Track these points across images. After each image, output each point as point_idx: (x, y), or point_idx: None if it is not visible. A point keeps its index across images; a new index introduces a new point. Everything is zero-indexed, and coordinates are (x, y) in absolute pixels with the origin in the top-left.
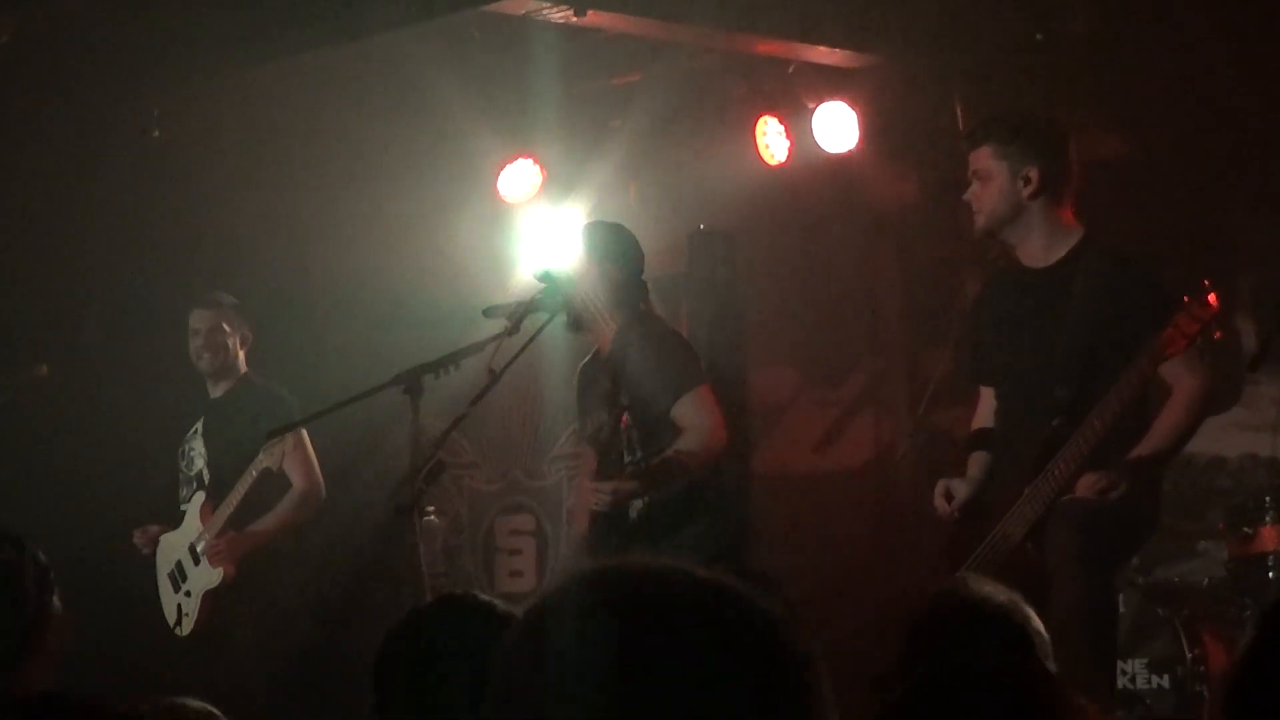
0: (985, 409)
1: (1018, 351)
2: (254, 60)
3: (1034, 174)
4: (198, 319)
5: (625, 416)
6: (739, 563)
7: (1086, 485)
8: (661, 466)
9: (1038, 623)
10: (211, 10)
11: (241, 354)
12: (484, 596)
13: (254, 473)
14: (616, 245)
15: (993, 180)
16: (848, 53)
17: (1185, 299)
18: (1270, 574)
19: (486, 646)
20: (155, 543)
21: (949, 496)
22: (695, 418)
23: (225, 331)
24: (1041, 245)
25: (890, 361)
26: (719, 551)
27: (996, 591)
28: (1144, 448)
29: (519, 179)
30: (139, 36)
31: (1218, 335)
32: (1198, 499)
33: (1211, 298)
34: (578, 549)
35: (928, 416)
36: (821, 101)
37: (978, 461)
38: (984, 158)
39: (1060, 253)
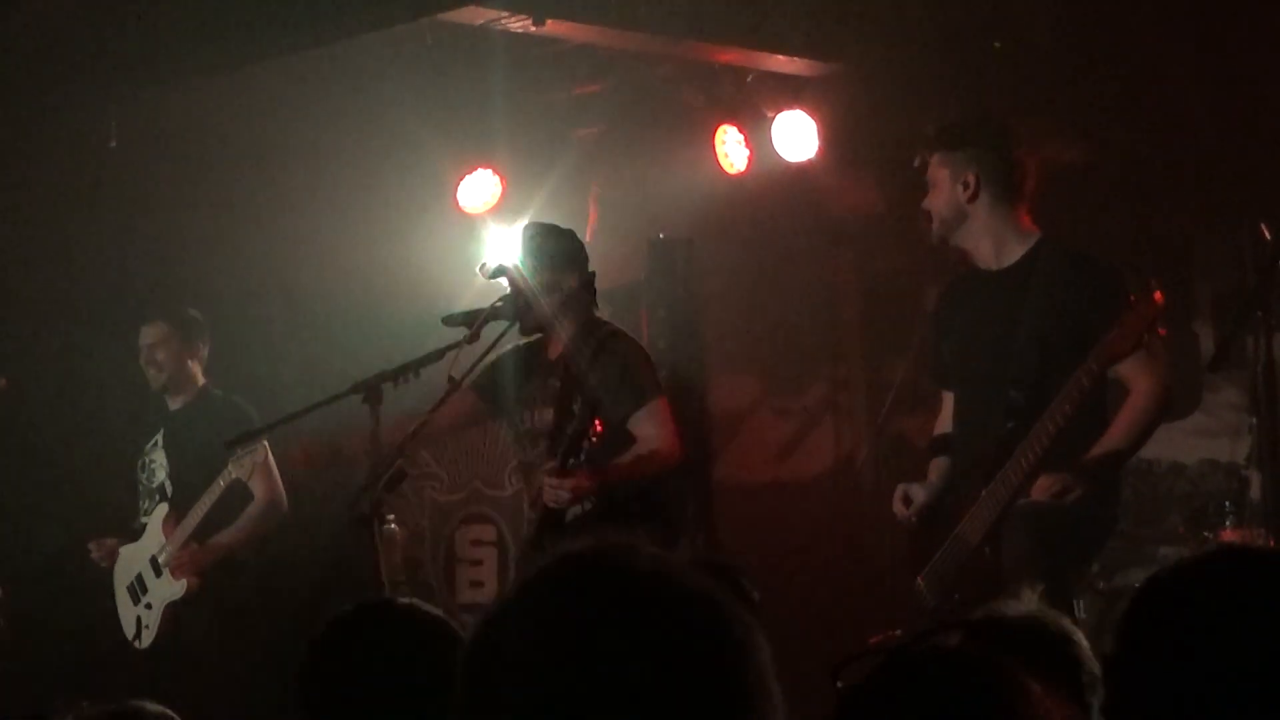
0: (946, 414)
1: (974, 355)
2: (212, 69)
3: (971, 178)
4: (145, 334)
5: (598, 422)
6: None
7: (1043, 488)
8: (618, 470)
9: (1079, 635)
10: (170, 19)
11: (197, 366)
12: (405, 600)
13: (222, 484)
14: (567, 250)
15: (940, 187)
16: (806, 61)
17: (1131, 298)
18: None
19: (413, 653)
20: (113, 556)
21: (907, 501)
22: (650, 428)
23: (173, 346)
24: (992, 249)
25: (850, 369)
26: None
27: (1045, 611)
28: (1100, 449)
29: (479, 189)
30: (97, 45)
31: (1162, 332)
32: (1157, 504)
33: (1157, 295)
34: (520, 550)
35: (888, 424)
36: (780, 110)
37: (938, 467)
38: (933, 166)
39: (1015, 256)
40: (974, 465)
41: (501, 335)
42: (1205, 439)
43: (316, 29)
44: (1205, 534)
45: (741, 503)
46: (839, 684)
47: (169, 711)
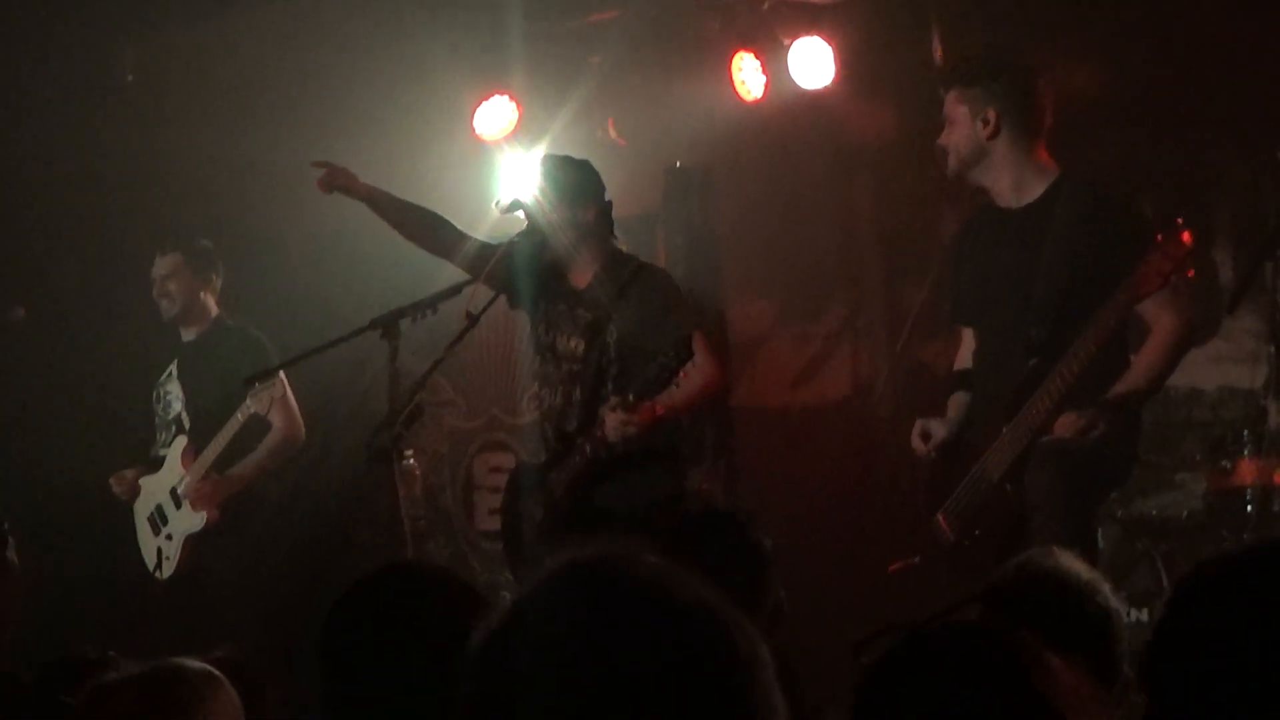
0: (965, 350)
1: (994, 292)
2: (229, 2)
3: (991, 115)
4: (158, 265)
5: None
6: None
7: (1065, 425)
8: (675, 404)
9: (1116, 603)
10: None
11: (210, 297)
12: (431, 564)
13: (240, 418)
14: (587, 182)
15: (958, 123)
16: None
17: (1159, 237)
18: (1249, 507)
19: (437, 616)
20: (134, 489)
21: (926, 437)
22: (697, 358)
23: (186, 277)
24: (1011, 186)
25: (868, 294)
26: (672, 492)
27: (1081, 568)
28: (1122, 386)
29: (495, 116)
30: None
31: (1190, 274)
32: (1175, 431)
33: (1185, 235)
34: (528, 478)
35: (907, 350)
36: (797, 37)
37: (957, 403)
38: (950, 102)
39: (1035, 193)
40: (995, 402)
41: (507, 245)
42: (1224, 365)
43: None
44: (1223, 463)
45: (760, 428)
46: (860, 660)
47: (210, 668)
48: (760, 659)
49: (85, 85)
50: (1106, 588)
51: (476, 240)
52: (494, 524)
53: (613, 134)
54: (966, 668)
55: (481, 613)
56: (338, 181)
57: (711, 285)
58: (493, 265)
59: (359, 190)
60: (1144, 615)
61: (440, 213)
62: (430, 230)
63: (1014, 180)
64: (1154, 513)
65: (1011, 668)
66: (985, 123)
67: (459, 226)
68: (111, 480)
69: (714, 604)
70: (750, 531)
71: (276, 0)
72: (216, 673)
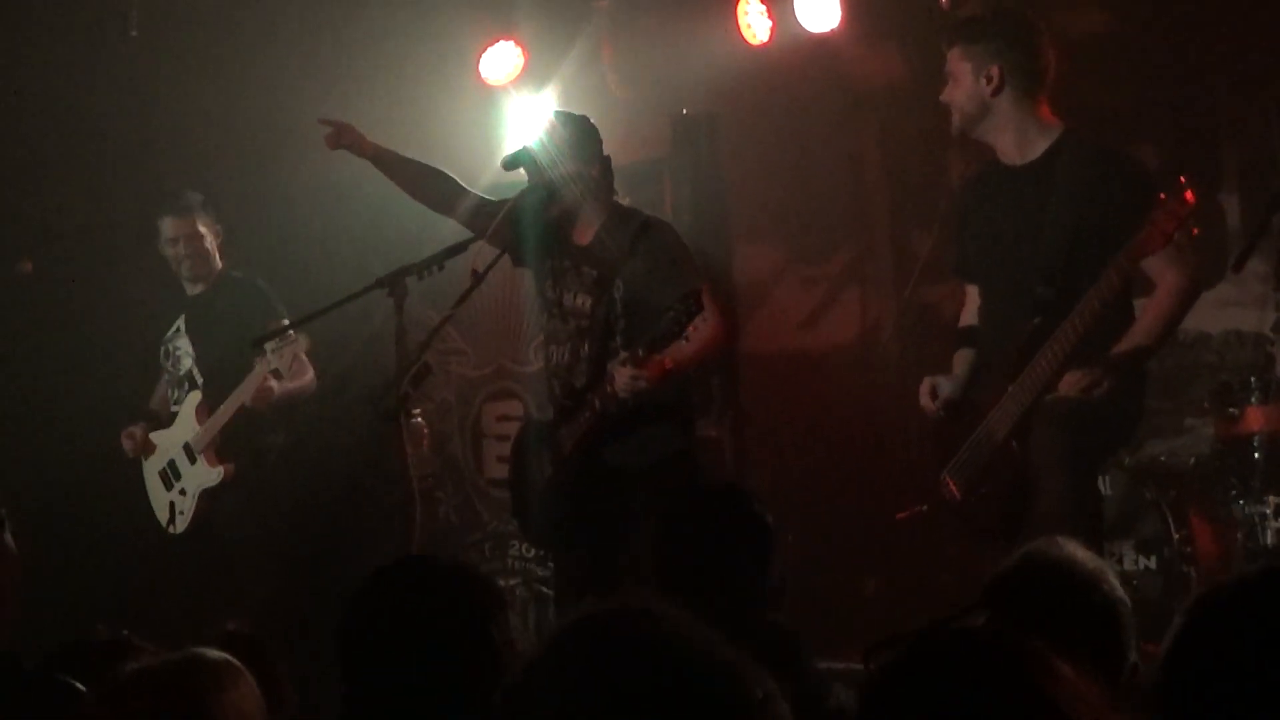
0: (970, 306)
1: (999, 250)
2: None
3: (995, 71)
4: (172, 227)
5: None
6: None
7: (1070, 383)
8: (684, 358)
9: (1121, 592)
10: None
11: (215, 251)
12: (449, 559)
13: (260, 370)
14: (590, 140)
15: (960, 81)
16: None
17: (1161, 196)
18: (1256, 455)
19: (455, 612)
20: (146, 445)
21: (934, 394)
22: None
23: (201, 234)
24: (1015, 143)
25: (875, 238)
26: (682, 448)
27: (1086, 557)
28: (1127, 344)
29: (501, 61)
30: None
31: (1195, 232)
32: (1183, 375)
33: (1188, 194)
34: (537, 434)
35: (914, 295)
36: None
37: (963, 359)
38: (953, 59)
39: (1038, 150)
40: (1001, 360)
41: (512, 203)
42: (1231, 309)
43: None
44: (1230, 410)
45: (767, 372)
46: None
47: (230, 657)
48: (779, 712)
49: (89, 40)
50: (1111, 575)
51: (481, 198)
52: (502, 472)
53: (613, 88)
54: (975, 676)
55: (498, 607)
56: (344, 140)
57: (718, 231)
58: (496, 224)
59: (366, 148)
60: (1151, 563)
61: (446, 159)
62: (435, 188)
63: (1017, 137)
64: (1162, 459)
65: (1021, 676)
66: (988, 79)
67: (462, 181)
68: (122, 436)
69: (729, 658)
70: (754, 507)
71: None
72: (235, 662)
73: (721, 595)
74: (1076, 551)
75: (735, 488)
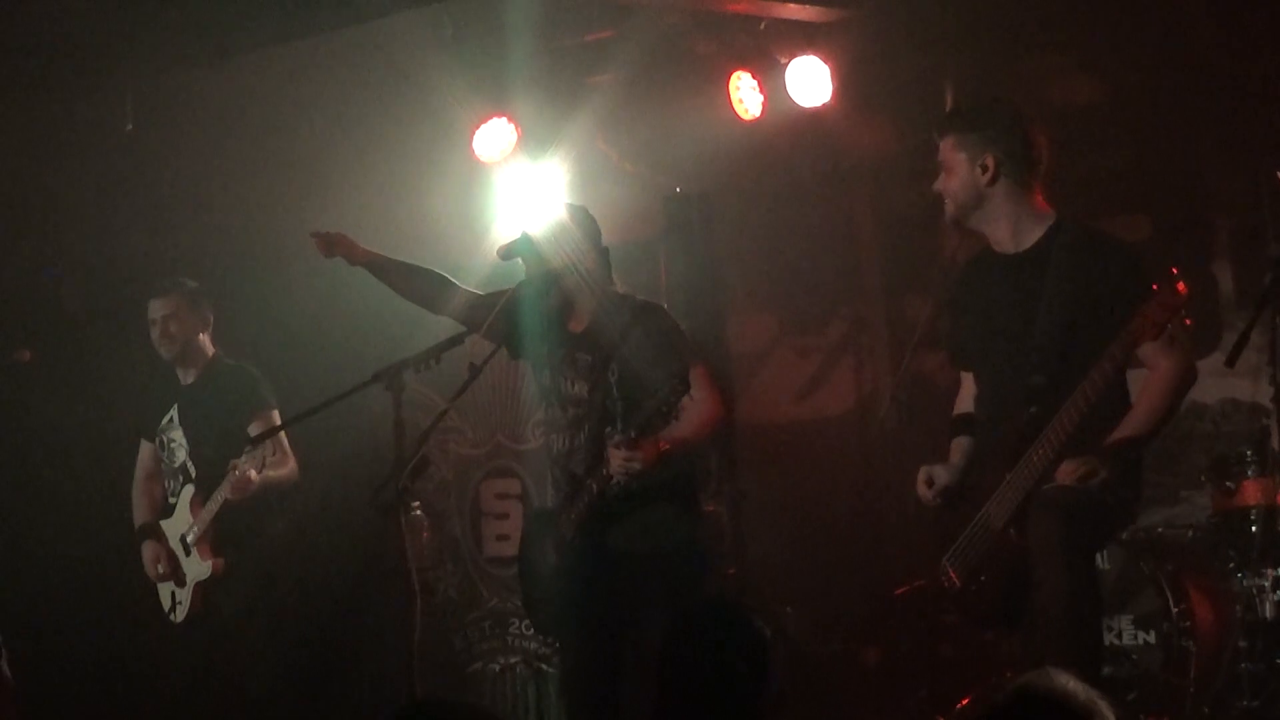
0: (966, 393)
1: (993, 338)
2: (230, 50)
3: (990, 161)
4: (154, 308)
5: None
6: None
7: (1067, 472)
8: (680, 440)
9: (1113, 717)
10: (186, 6)
11: (205, 337)
12: (462, 702)
13: (236, 474)
14: (591, 230)
15: (955, 170)
16: (819, 8)
17: (1154, 286)
18: (1253, 528)
19: None
20: (171, 563)
21: (931, 482)
22: (698, 393)
23: (183, 318)
24: (1009, 232)
25: (869, 308)
26: (689, 534)
27: (1079, 689)
28: (1122, 432)
29: (494, 138)
30: (114, 27)
31: (1188, 322)
32: (1179, 445)
33: (1180, 285)
34: (540, 523)
35: (910, 367)
36: (794, 56)
37: (959, 448)
38: (947, 149)
39: (1032, 239)
40: (997, 448)
41: (507, 297)
42: (1226, 378)
43: (334, 13)
44: (1227, 483)
45: (764, 443)
46: None
47: None
48: None
49: (85, 132)
50: (1104, 706)
51: (474, 294)
52: (501, 550)
53: (613, 161)
54: None
55: None
56: (337, 250)
57: (713, 306)
58: (492, 318)
59: (358, 255)
60: (1150, 637)
61: (440, 236)
62: (428, 288)
63: (1012, 226)
64: (1159, 529)
65: None
66: (984, 169)
67: (454, 279)
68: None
69: None
70: (754, 622)
71: (275, 38)
72: None
73: (722, 709)
74: (1070, 683)
75: (737, 603)
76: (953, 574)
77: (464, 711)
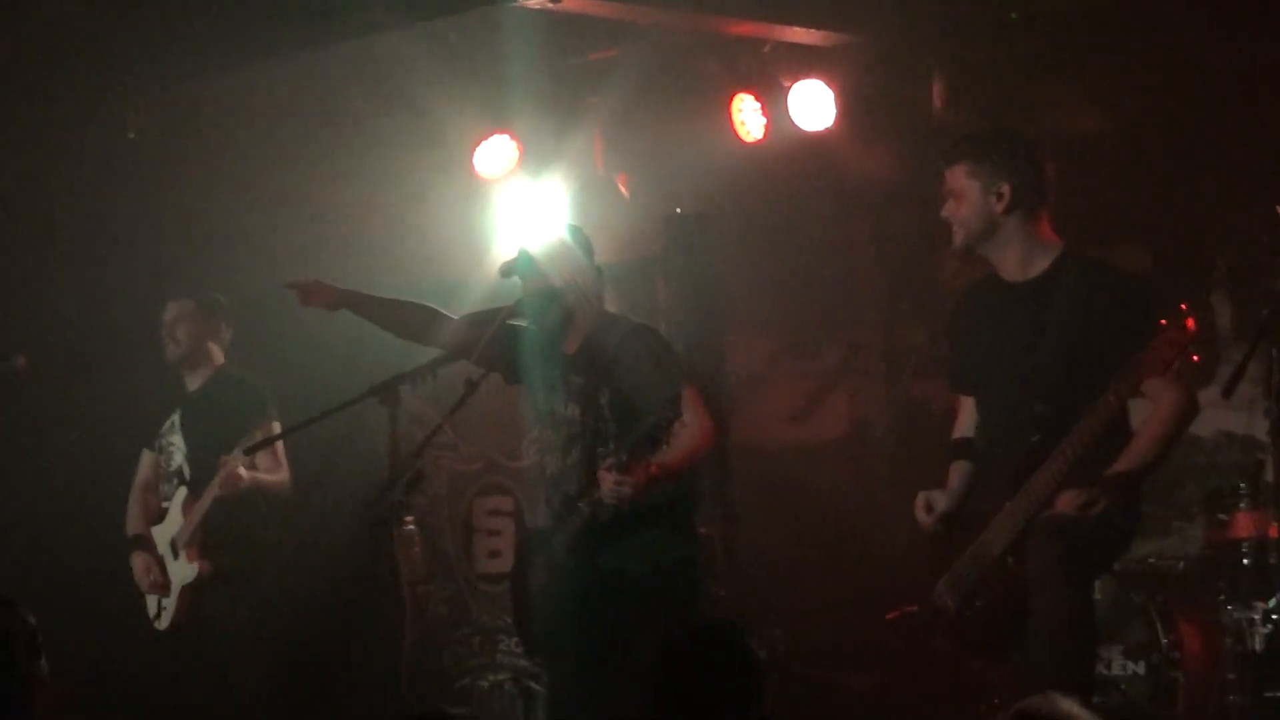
0: (965, 419)
1: (997, 365)
2: (233, 62)
3: (1006, 189)
4: (169, 310)
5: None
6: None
7: (1067, 501)
8: (671, 464)
9: None
10: (186, 14)
11: (216, 347)
12: (455, 715)
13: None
14: (587, 250)
15: (966, 198)
16: (823, 32)
17: (1163, 323)
18: (1245, 560)
19: None
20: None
21: (929, 508)
22: (688, 416)
23: (193, 323)
24: (1018, 260)
25: (867, 334)
26: (684, 556)
27: (1081, 714)
28: (1123, 463)
29: (495, 155)
30: (119, 37)
31: (1195, 359)
32: (1173, 476)
33: (1189, 322)
34: (533, 544)
35: (906, 392)
36: (797, 80)
37: (958, 472)
38: (958, 176)
39: (1040, 267)
40: (999, 474)
41: (502, 319)
42: (1221, 410)
43: (336, 27)
44: (1220, 515)
45: (759, 466)
46: None
47: None
48: None
49: (90, 139)
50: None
51: (462, 322)
52: (493, 567)
53: (621, 187)
54: None
55: None
56: (313, 299)
57: (711, 326)
58: (483, 347)
59: (334, 299)
60: (1139, 668)
61: (442, 253)
62: (413, 322)
63: (1020, 255)
64: (1151, 560)
65: None
66: (999, 196)
67: (441, 308)
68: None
69: None
70: (744, 641)
71: (278, 51)
72: None
73: None
74: (1071, 709)
75: (727, 624)
76: (948, 599)
77: None
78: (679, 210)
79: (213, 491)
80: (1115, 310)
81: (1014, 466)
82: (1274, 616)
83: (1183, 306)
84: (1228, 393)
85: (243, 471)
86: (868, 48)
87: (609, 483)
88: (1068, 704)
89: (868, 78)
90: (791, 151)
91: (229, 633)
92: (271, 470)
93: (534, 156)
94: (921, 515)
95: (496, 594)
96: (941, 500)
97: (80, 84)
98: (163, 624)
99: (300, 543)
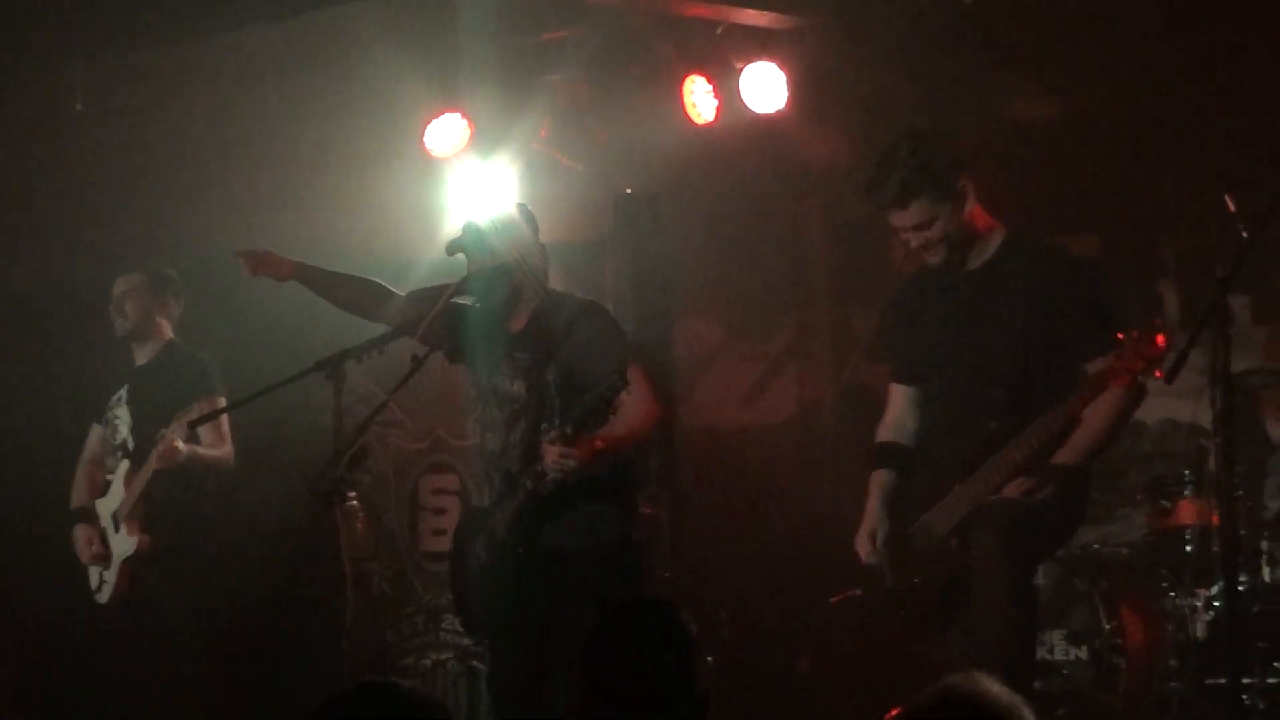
0: (892, 418)
1: (946, 353)
2: (183, 35)
3: (937, 230)
4: (118, 284)
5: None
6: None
7: (1014, 487)
8: (615, 439)
9: None
10: None
11: (165, 321)
12: (405, 686)
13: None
14: (533, 227)
15: (939, 218)
16: (776, 15)
17: (1134, 334)
18: (1188, 547)
19: None
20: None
21: (874, 538)
22: (634, 391)
23: (142, 297)
24: (961, 256)
25: (816, 316)
26: (624, 533)
27: (1001, 693)
28: (1069, 452)
29: (446, 133)
30: (65, 6)
31: (1158, 375)
32: (1117, 464)
33: (1159, 338)
34: (472, 522)
35: (853, 376)
36: (749, 62)
37: (880, 483)
38: (920, 211)
39: (984, 256)
40: (950, 460)
41: (448, 296)
42: (1166, 398)
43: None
44: (1164, 503)
45: (707, 448)
46: None
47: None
48: None
49: (35, 113)
50: (1027, 712)
51: (408, 298)
52: (438, 545)
53: (567, 160)
54: None
55: None
56: (262, 268)
57: (660, 308)
58: (426, 325)
59: (285, 269)
60: (1082, 653)
61: (391, 230)
62: (361, 297)
63: (963, 252)
64: (1095, 547)
65: None
66: (926, 228)
67: (387, 284)
68: (79, 542)
69: None
70: (679, 619)
71: (226, 24)
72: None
73: (647, 708)
74: (992, 687)
75: (661, 600)
76: (874, 559)
77: (405, 694)
78: (629, 190)
79: (151, 464)
80: (1070, 294)
81: (968, 453)
82: (1216, 604)
83: (1157, 321)
84: (1169, 378)
85: (180, 445)
86: (820, 30)
87: (553, 455)
88: (987, 682)
89: (819, 61)
90: (743, 133)
91: (169, 606)
92: (214, 445)
93: (485, 135)
94: (867, 549)
95: (441, 573)
96: (881, 528)
97: (26, 56)
98: (103, 597)
99: (244, 518)
